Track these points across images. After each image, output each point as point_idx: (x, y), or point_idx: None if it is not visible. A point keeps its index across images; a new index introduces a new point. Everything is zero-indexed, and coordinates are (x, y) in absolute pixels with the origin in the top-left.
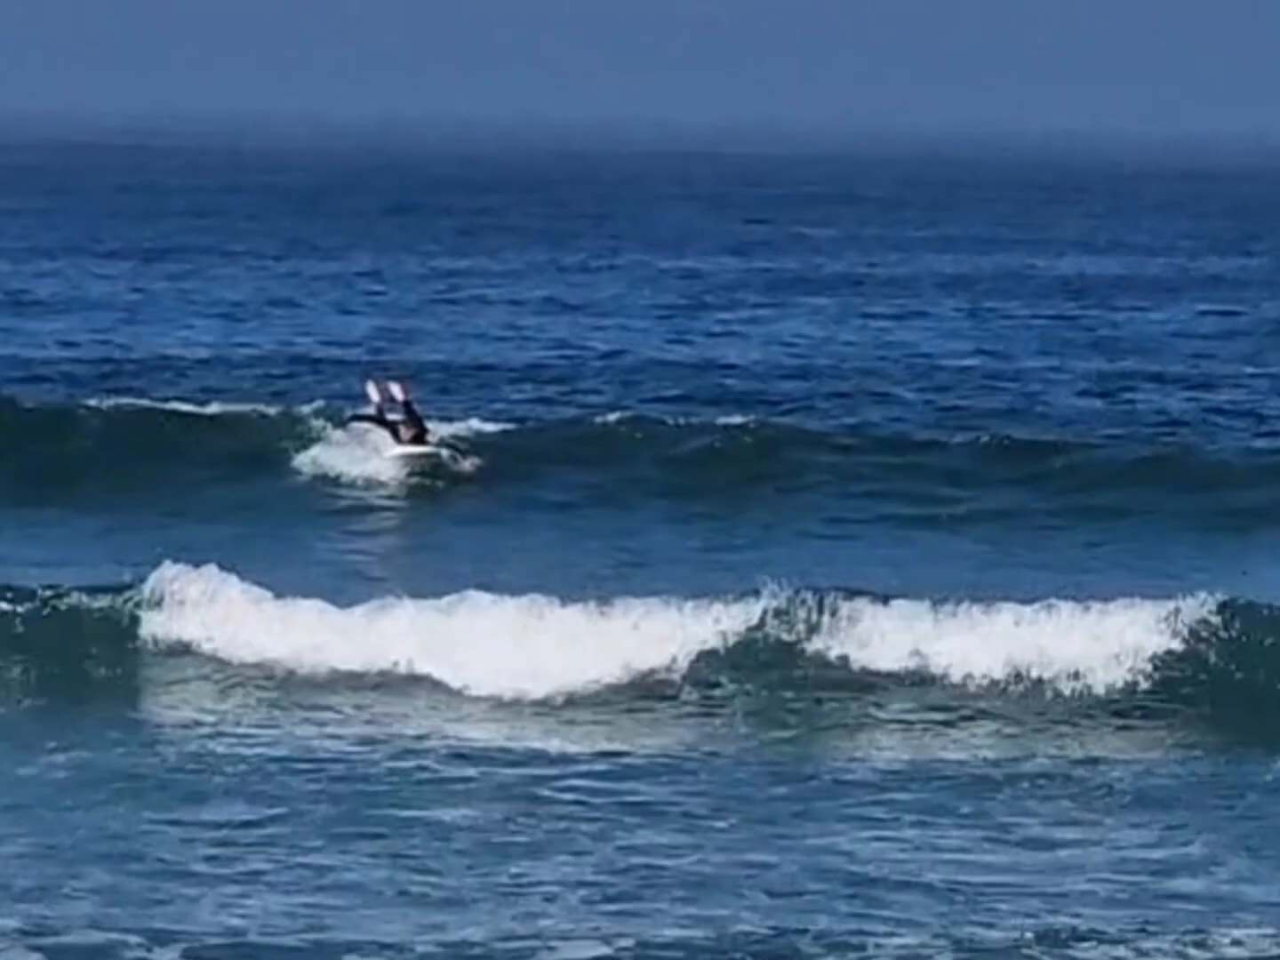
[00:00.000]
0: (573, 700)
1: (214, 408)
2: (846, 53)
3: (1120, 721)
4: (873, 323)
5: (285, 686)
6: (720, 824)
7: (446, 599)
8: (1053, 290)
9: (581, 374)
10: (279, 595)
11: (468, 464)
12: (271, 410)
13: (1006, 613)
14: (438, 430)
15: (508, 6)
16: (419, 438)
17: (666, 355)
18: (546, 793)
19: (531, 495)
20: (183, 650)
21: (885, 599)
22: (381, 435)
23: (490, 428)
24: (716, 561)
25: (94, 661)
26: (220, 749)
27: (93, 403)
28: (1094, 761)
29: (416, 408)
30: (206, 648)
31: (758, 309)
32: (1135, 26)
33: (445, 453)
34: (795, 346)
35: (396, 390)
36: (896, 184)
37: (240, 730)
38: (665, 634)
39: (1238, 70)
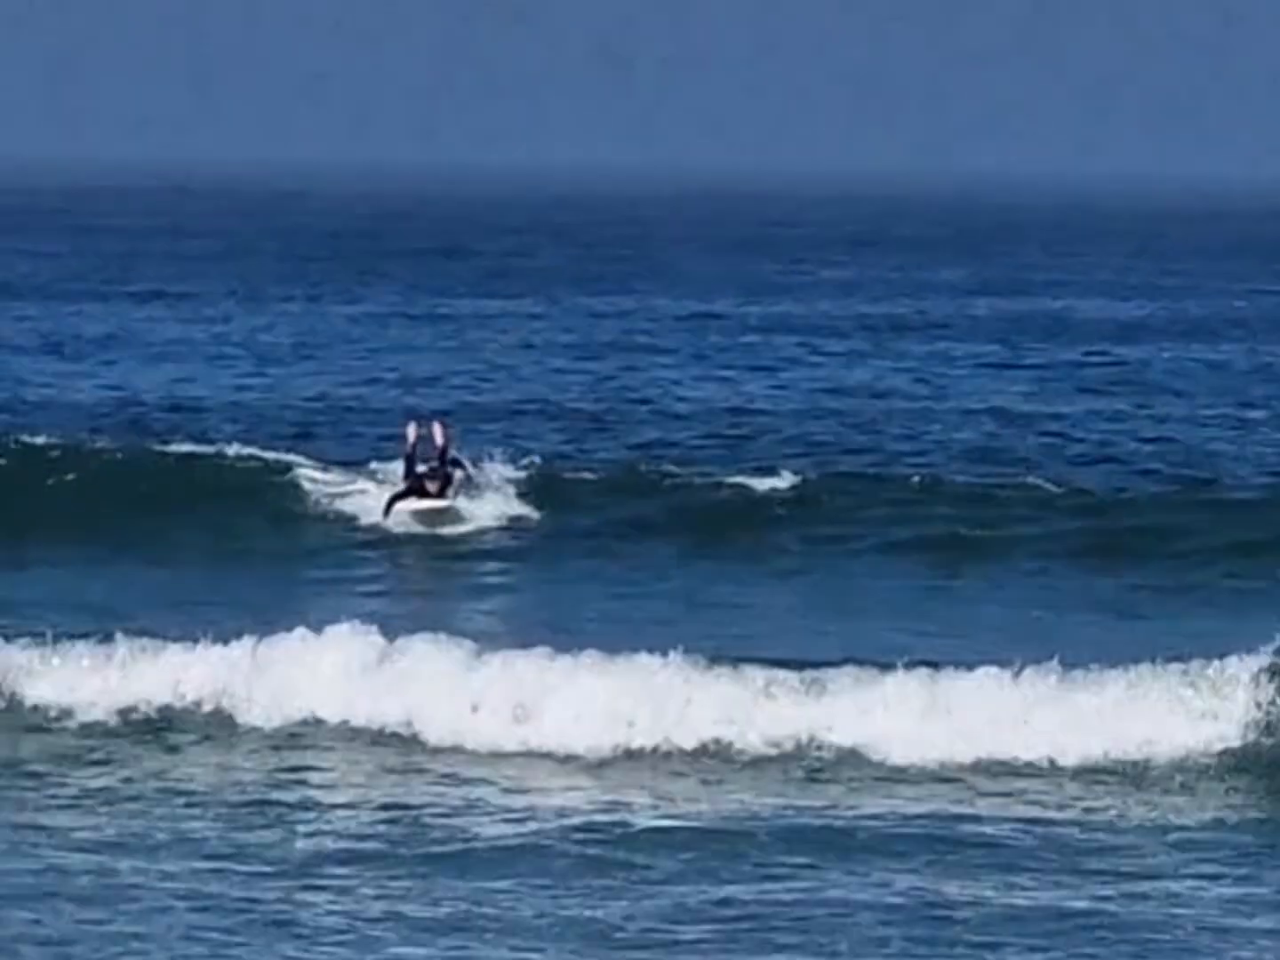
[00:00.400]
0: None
1: (233, 451)
2: (875, 97)
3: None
4: (907, 366)
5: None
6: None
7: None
8: (1087, 331)
9: (612, 417)
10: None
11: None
12: (288, 457)
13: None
14: (467, 471)
15: (529, 51)
16: (442, 490)
17: (700, 399)
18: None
19: (560, 543)
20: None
21: (969, 665)
22: (401, 489)
23: (517, 473)
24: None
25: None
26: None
27: (104, 444)
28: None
29: (452, 451)
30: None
31: (791, 350)
32: (1166, 70)
33: (463, 505)
34: (827, 390)
35: (437, 432)
36: (928, 225)
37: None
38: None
39: (1267, 113)
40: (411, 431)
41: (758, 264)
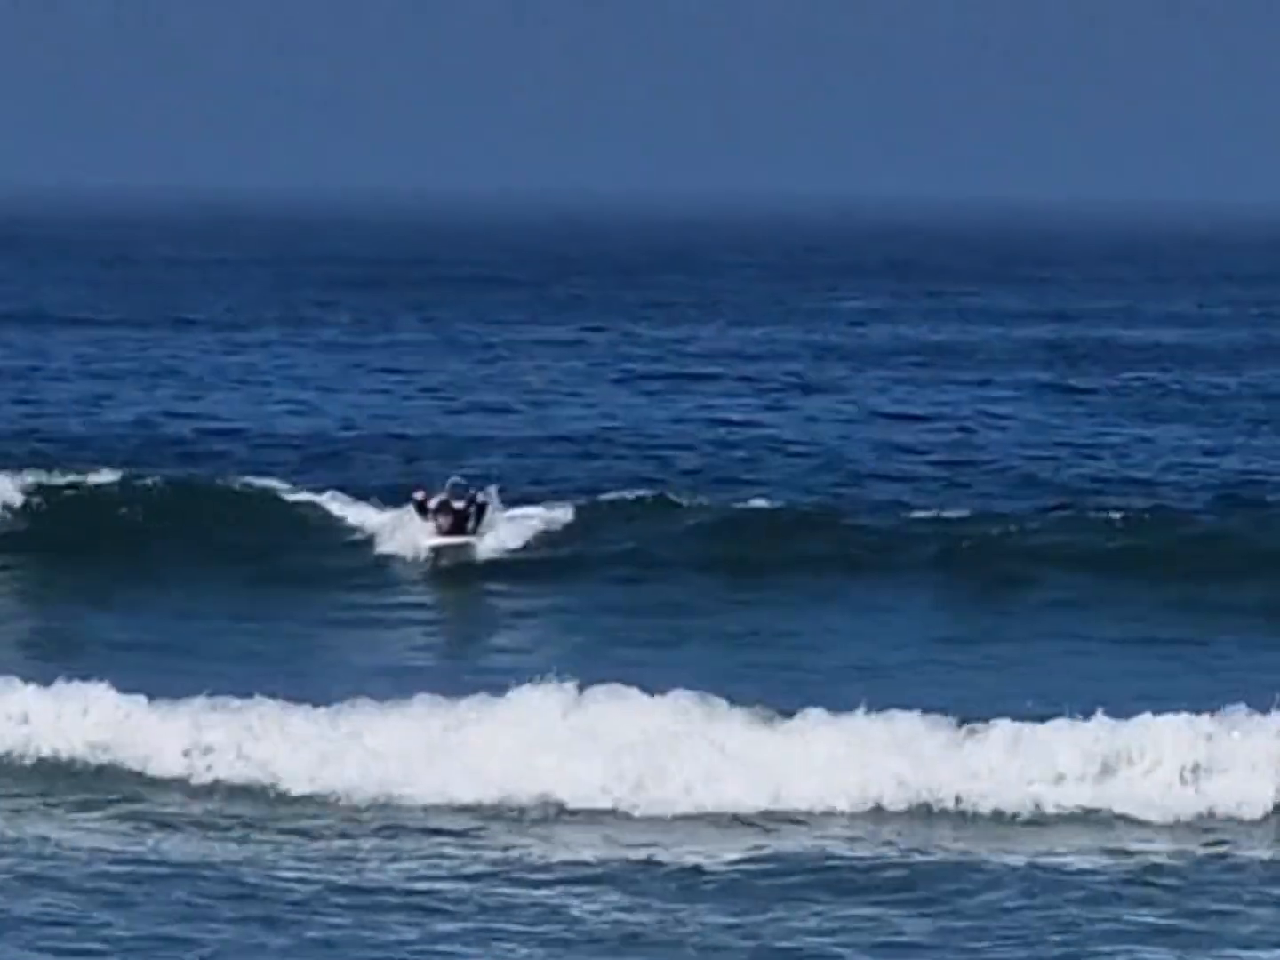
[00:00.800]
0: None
1: (250, 484)
2: (912, 125)
3: None
4: (946, 394)
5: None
6: None
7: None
8: (1128, 358)
9: (649, 447)
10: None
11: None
12: (304, 493)
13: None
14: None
15: (566, 86)
16: (458, 526)
17: (741, 429)
18: None
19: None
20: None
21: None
22: (421, 524)
23: (543, 512)
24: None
25: None
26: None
27: (131, 476)
28: None
29: (477, 496)
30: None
31: (831, 381)
32: (1205, 98)
33: (478, 540)
34: (864, 420)
35: (458, 504)
36: (962, 253)
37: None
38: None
39: None
40: (420, 496)
41: (797, 294)
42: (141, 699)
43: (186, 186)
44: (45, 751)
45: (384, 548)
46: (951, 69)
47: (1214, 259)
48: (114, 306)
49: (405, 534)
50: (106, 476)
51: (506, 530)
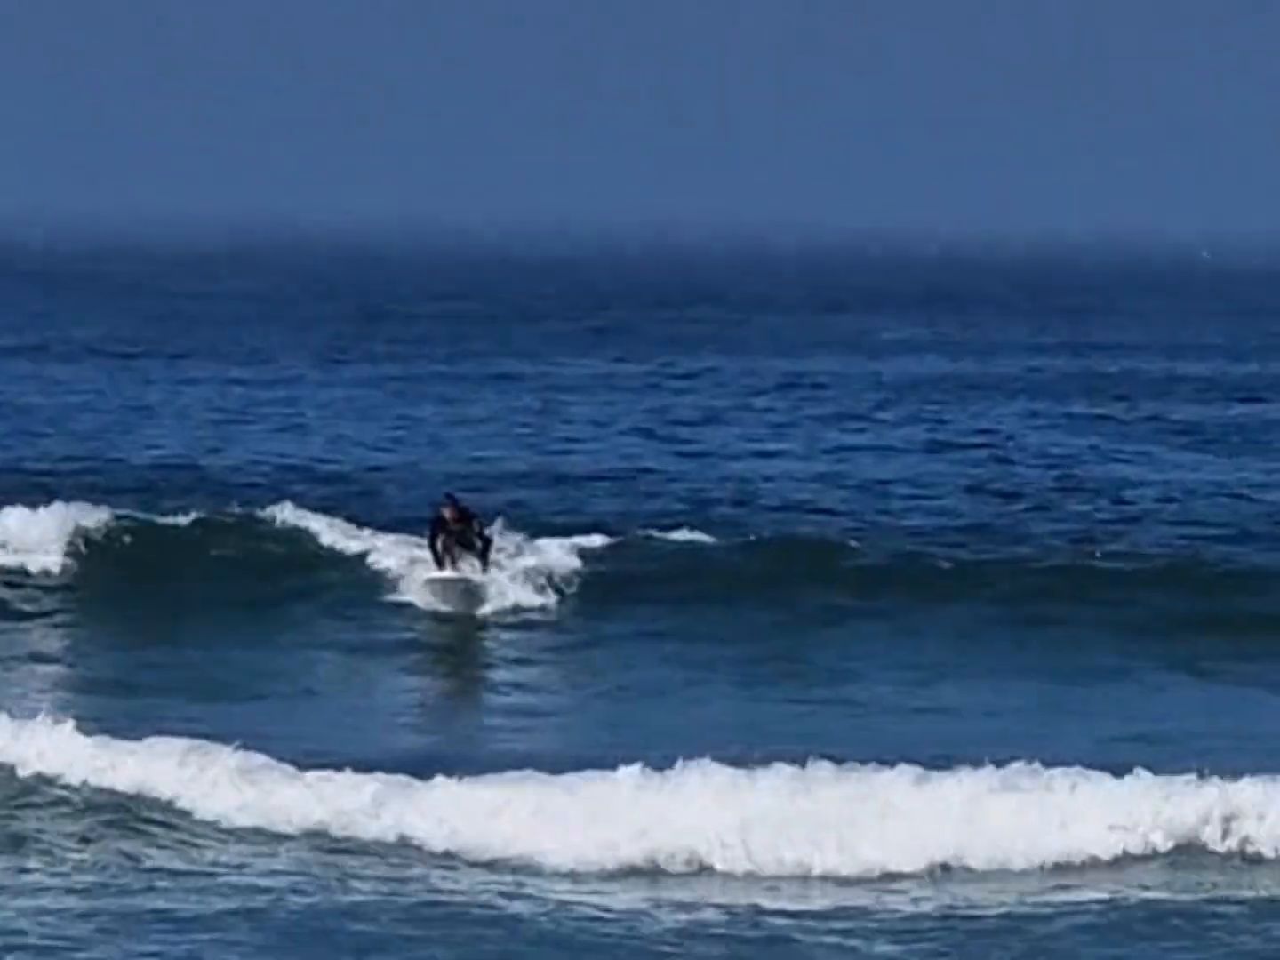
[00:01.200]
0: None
1: (261, 520)
2: (958, 156)
3: None
4: (979, 424)
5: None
6: None
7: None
8: (1175, 391)
9: (677, 486)
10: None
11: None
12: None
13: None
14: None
15: (579, 116)
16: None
17: (777, 465)
18: None
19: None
20: None
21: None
22: (426, 561)
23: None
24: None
25: None
26: None
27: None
28: None
29: (485, 530)
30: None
31: (863, 412)
32: (1241, 130)
33: (479, 578)
34: (900, 454)
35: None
36: (1009, 287)
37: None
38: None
39: None
40: (448, 514)
41: (832, 326)
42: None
43: (205, 214)
44: None
45: (401, 592)
46: (977, 102)
47: (1245, 293)
48: (138, 339)
49: (415, 576)
50: (178, 517)
51: (522, 567)
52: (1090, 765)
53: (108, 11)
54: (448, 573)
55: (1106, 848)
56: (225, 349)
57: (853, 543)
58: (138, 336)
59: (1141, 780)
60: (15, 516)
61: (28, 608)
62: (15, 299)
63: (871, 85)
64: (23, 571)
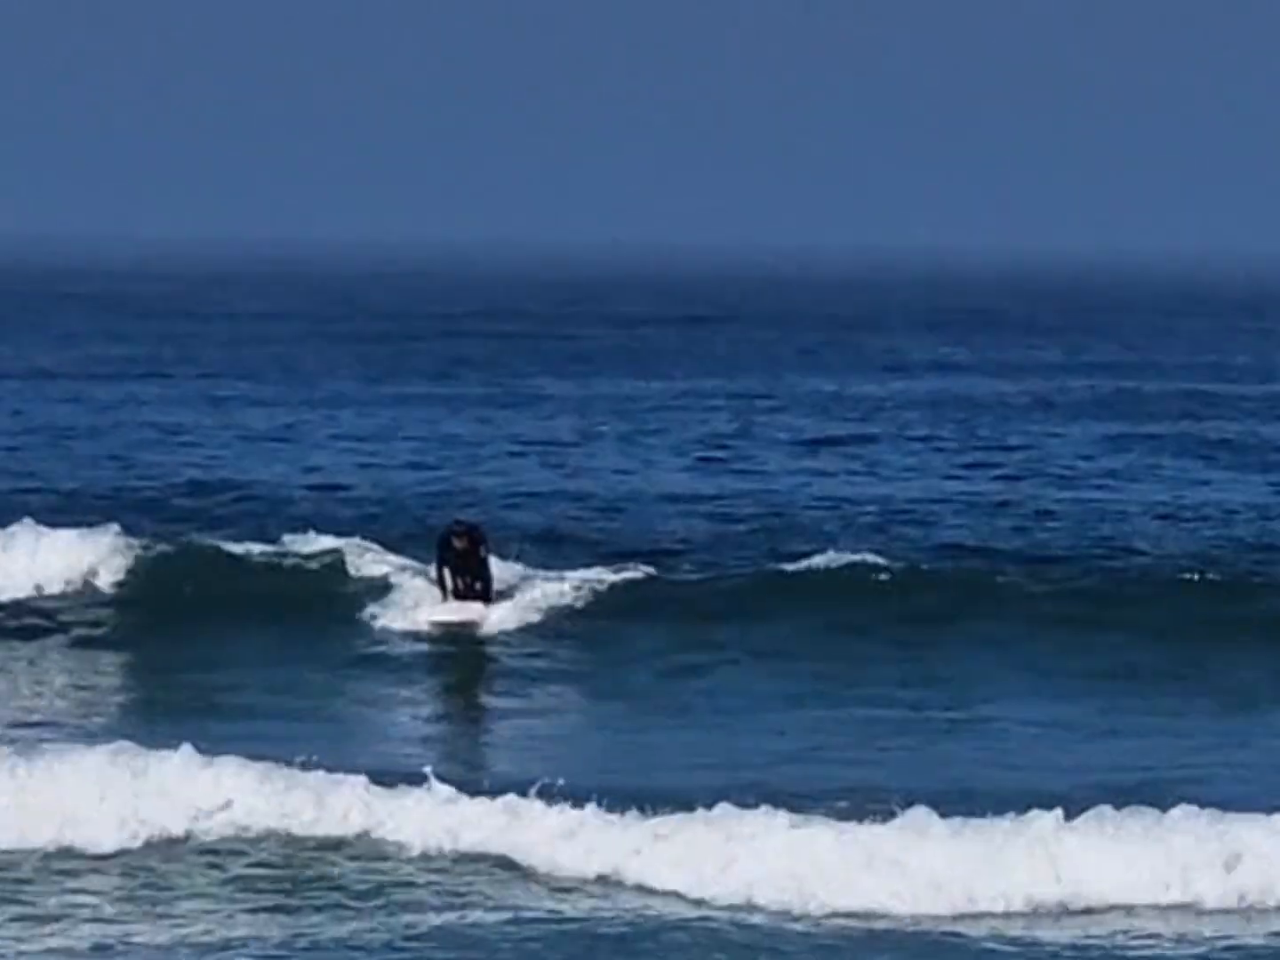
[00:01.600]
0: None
1: (272, 545)
2: (979, 177)
3: None
4: (1014, 442)
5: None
6: None
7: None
8: (1195, 410)
9: (714, 513)
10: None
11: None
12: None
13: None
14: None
15: (584, 135)
16: (470, 588)
17: (812, 490)
18: None
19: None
20: None
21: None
22: (433, 592)
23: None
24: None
25: None
26: None
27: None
28: None
29: (489, 558)
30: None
31: (893, 435)
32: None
33: (482, 616)
34: (924, 474)
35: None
36: (1032, 306)
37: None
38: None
39: None
40: (457, 544)
41: (858, 349)
42: None
43: (235, 239)
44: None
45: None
46: (997, 119)
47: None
48: (170, 361)
49: (417, 611)
50: (200, 540)
51: (534, 597)
52: None
53: (176, 55)
54: (450, 616)
55: None
56: (261, 370)
57: (885, 563)
58: (180, 357)
59: None
60: (62, 539)
61: (78, 631)
62: (57, 321)
63: (874, 98)
64: (59, 596)
